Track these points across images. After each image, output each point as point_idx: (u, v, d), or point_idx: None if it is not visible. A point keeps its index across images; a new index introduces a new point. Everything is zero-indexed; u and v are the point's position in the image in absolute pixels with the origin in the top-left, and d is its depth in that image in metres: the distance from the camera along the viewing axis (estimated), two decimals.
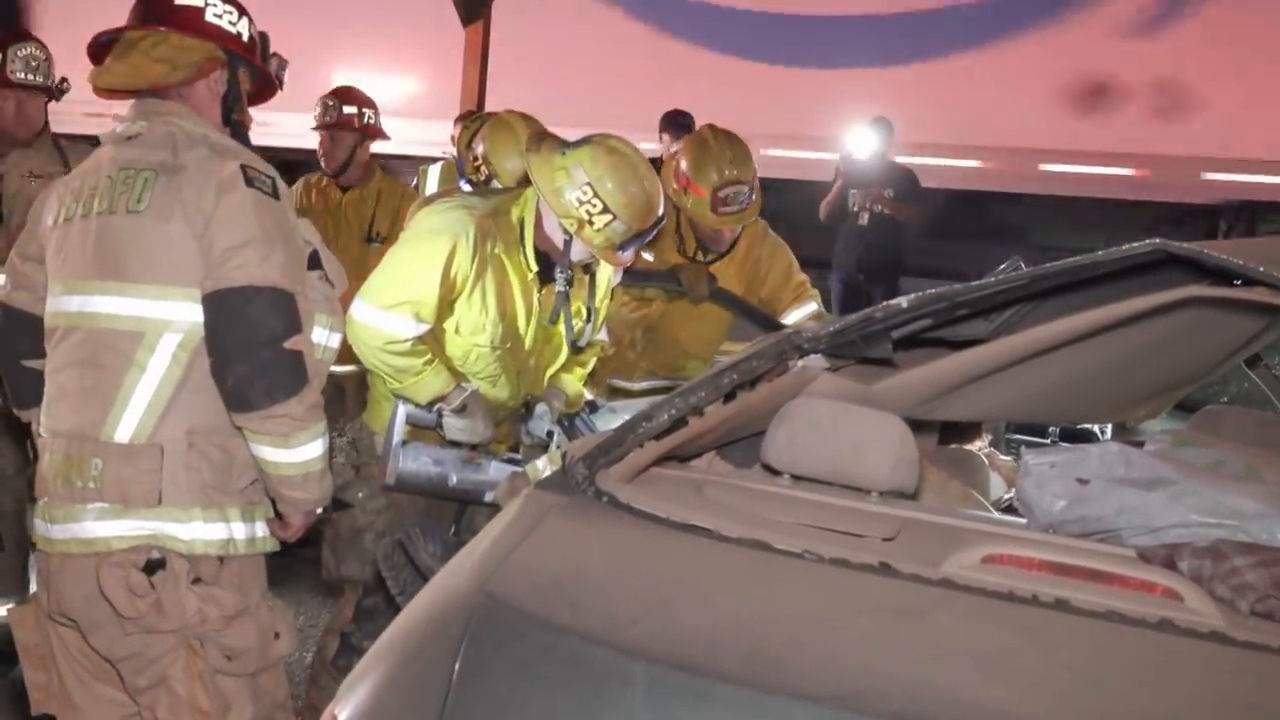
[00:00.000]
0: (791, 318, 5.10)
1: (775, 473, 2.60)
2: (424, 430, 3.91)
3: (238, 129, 3.07)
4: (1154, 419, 3.57)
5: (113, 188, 2.87)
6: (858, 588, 2.09)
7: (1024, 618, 2.00)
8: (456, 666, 1.94)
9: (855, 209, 10.38)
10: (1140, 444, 2.72)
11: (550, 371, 4.19)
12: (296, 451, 2.91)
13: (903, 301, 2.64)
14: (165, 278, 2.82)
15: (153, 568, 2.82)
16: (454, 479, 3.80)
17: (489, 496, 3.74)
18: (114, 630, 2.85)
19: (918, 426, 2.73)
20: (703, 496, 2.45)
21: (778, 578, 2.12)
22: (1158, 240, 2.39)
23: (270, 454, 2.90)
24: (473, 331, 3.91)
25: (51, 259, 2.97)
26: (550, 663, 1.91)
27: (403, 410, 3.83)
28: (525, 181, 4.01)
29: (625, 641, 1.91)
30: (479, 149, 5.05)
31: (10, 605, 4.07)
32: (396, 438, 3.78)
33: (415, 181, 7.72)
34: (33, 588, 3.67)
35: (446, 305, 3.83)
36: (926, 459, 2.90)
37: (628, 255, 3.91)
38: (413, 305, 3.75)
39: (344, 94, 6.71)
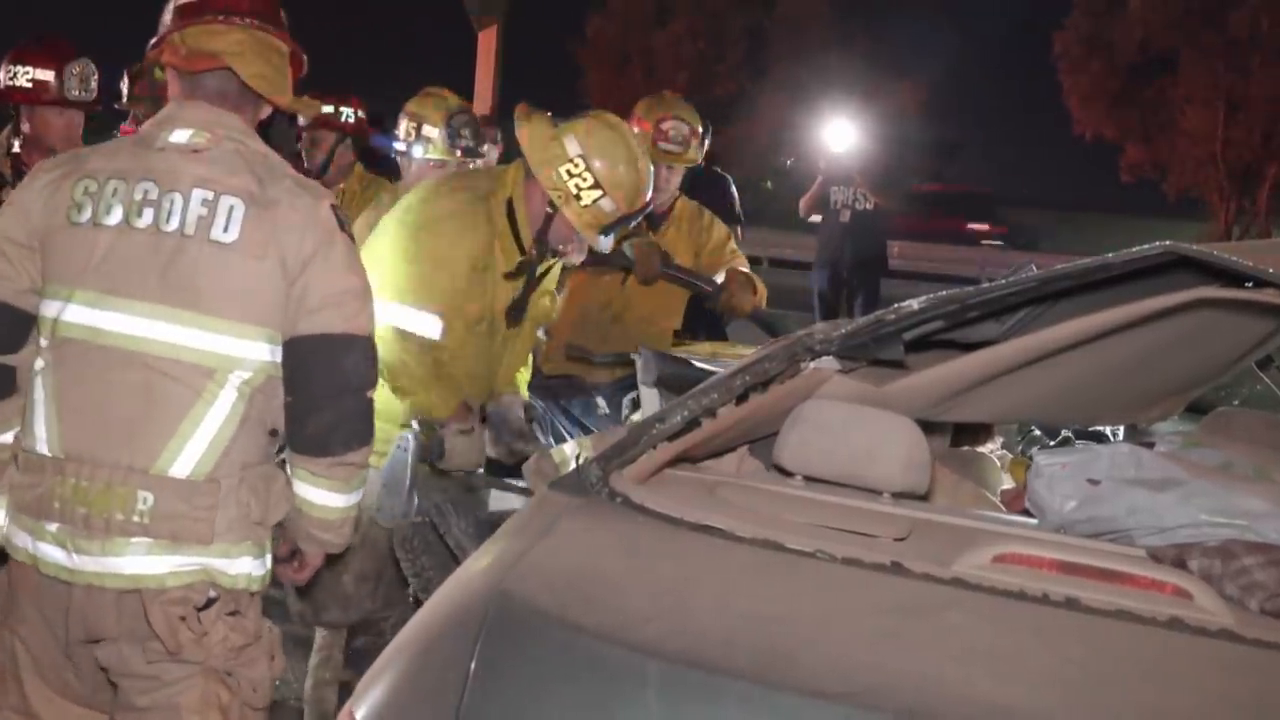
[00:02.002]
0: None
1: (788, 474, 2.62)
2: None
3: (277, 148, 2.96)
4: (1165, 421, 3.58)
5: (186, 207, 2.67)
6: (870, 587, 2.10)
7: (1035, 616, 2.02)
8: (472, 665, 1.95)
9: (837, 206, 10.40)
10: (1151, 445, 2.74)
11: (508, 365, 4.09)
12: (348, 497, 2.91)
13: (914, 303, 2.66)
14: (246, 315, 2.70)
15: (206, 605, 2.73)
16: (461, 518, 3.50)
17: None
18: (132, 650, 2.73)
19: (929, 428, 2.75)
20: (716, 497, 2.47)
21: (791, 577, 2.14)
22: (1169, 242, 2.41)
23: (322, 498, 2.87)
24: (476, 321, 3.82)
25: (67, 259, 2.72)
26: (565, 661, 1.93)
27: (414, 443, 3.57)
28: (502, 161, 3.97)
29: (640, 640, 1.93)
30: (406, 119, 5.20)
31: None
32: (410, 473, 3.52)
33: None
34: None
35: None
36: (938, 461, 2.91)
37: (608, 241, 3.82)
38: (445, 299, 3.67)
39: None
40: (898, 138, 15.24)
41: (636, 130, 5.04)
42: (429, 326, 3.68)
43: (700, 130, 5.29)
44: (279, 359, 2.77)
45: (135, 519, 2.65)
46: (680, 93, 5.80)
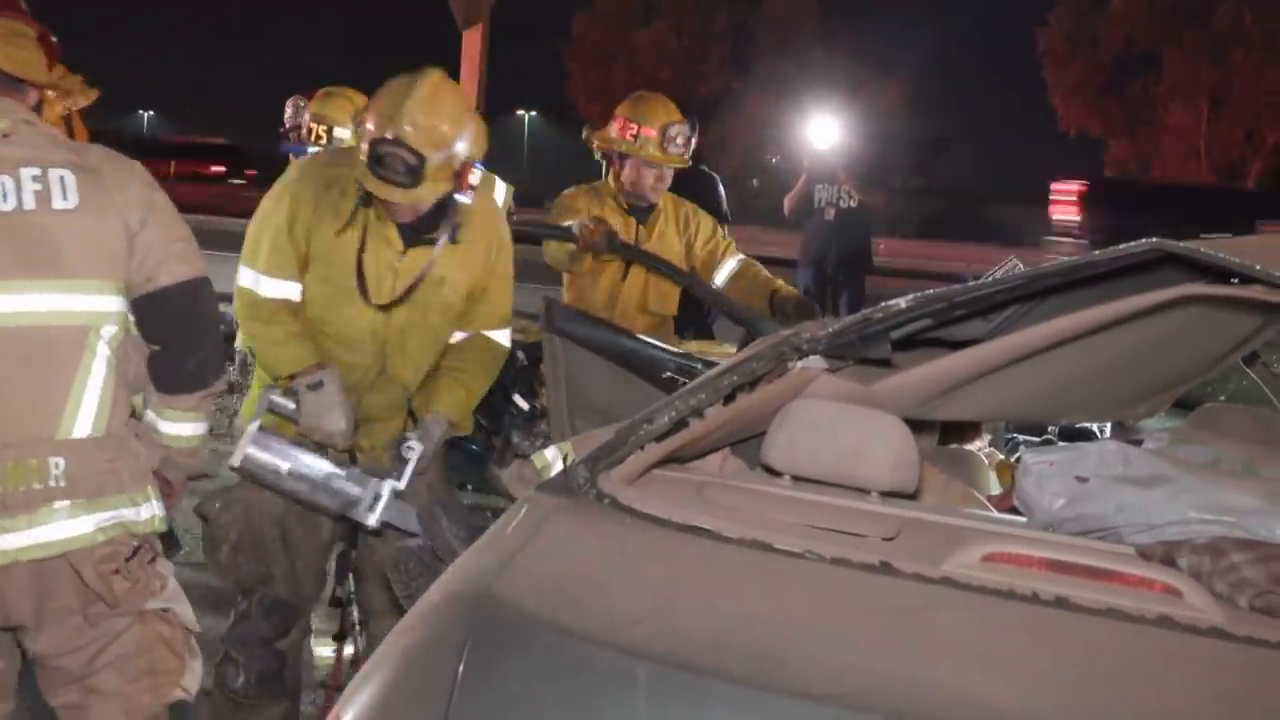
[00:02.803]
0: (726, 267, 5.45)
1: (775, 474, 2.61)
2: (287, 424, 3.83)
3: None
4: (1152, 417, 3.58)
5: (19, 187, 2.81)
6: (859, 587, 2.10)
7: (1024, 615, 2.01)
8: (460, 668, 1.94)
9: (821, 204, 10.40)
10: (1139, 442, 2.73)
11: (423, 366, 4.07)
12: (204, 424, 3.21)
13: (901, 302, 2.65)
14: (103, 272, 2.89)
15: (133, 554, 2.94)
16: (304, 474, 3.69)
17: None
18: (71, 624, 2.90)
19: (917, 427, 2.74)
20: (704, 498, 2.46)
21: (779, 578, 2.14)
22: (1154, 239, 2.41)
23: (189, 430, 3.15)
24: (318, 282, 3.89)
25: None
26: (554, 664, 1.92)
27: (270, 395, 3.78)
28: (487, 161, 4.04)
29: (628, 642, 1.92)
30: (306, 118, 5.54)
31: None
32: (255, 421, 3.72)
33: None
34: None
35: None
36: (926, 459, 2.91)
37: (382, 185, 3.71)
38: (267, 256, 3.85)
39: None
40: (882, 135, 15.27)
41: (640, 135, 5.38)
42: (246, 279, 3.84)
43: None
44: (128, 310, 2.98)
45: (51, 484, 2.81)
46: (664, 91, 5.99)
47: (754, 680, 1.83)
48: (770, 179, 37.18)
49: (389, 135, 3.57)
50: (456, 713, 1.91)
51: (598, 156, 5.66)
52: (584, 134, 5.88)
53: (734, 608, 2.04)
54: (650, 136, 5.39)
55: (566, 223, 5.29)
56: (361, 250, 3.83)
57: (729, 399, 2.69)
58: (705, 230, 5.54)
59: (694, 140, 5.55)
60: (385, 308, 3.89)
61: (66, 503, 2.83)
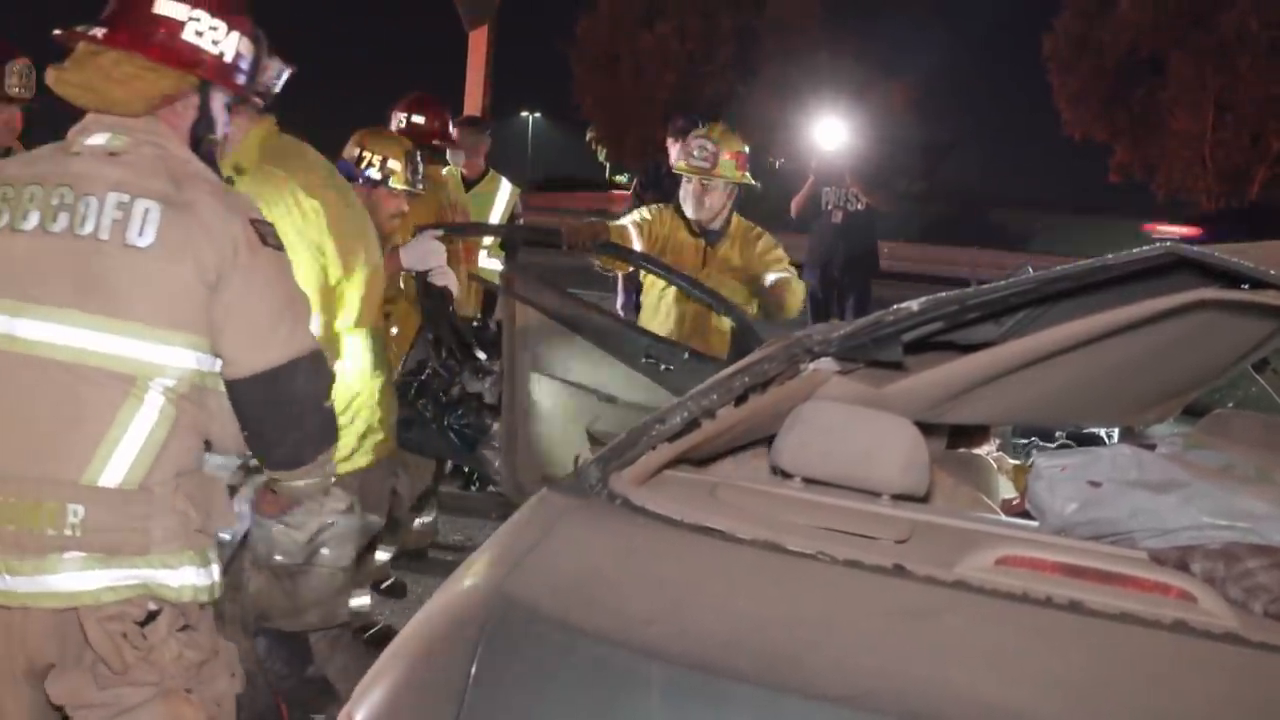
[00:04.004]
0: (769, 278, 5.63)
1: (787, 476, 2.61)
2: None
3: (209, 159, 2.84)
4: (1163, 423, 3.58)
5: (101, 211, 2.60)
6: (871, 589, 2.10)
7: (1038, 619, 2.01)
8: (473, 668, 1.94)
9: (829, 207, 10.40)
10: (1151, 447, 2.73)
11: None
12: (315, 478, 3.03)
13: (913, 305, 2.65)
14: (166, 321, 2.62)
15: (148, 619, 2.65)
16: None
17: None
18: (82, 679, 2.64)
19: (926, 430, 2.74)
20: (716, 499, 2.46)
21: (792, 579, 2.13)
22: (1169, 243, 2.40)
23: (303, 483, 3.02)
24: None
25: None
26: (566, 664, 1.92)
27: None
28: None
29: (641, 642, 1.92)
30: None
31: None
32: None
33: None
34: None
35: None
36: (935, 463, 2.91)
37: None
38: None
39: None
40: (888, 138, 15.27)
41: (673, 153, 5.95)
42: None
43: (739, 152, 5.84)
44: (208, 367, 2.71)
45: (66, 532, 2.57)
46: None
47: (768, 681, 1.83)
48: (774, 182, 37.22)
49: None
50: (469, 712, 1.91)
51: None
52: (588, 135, 6.07)
53: (747, 609, 2.04)
54: (677, 149, 5.91)
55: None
56: None
57: (741, 400, 2.69)
58: (766, 244, 5.80)
59: (738, 158, 5.80)
60: None
61: (79, 555, 2.58)
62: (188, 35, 2.72)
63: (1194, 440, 2.84)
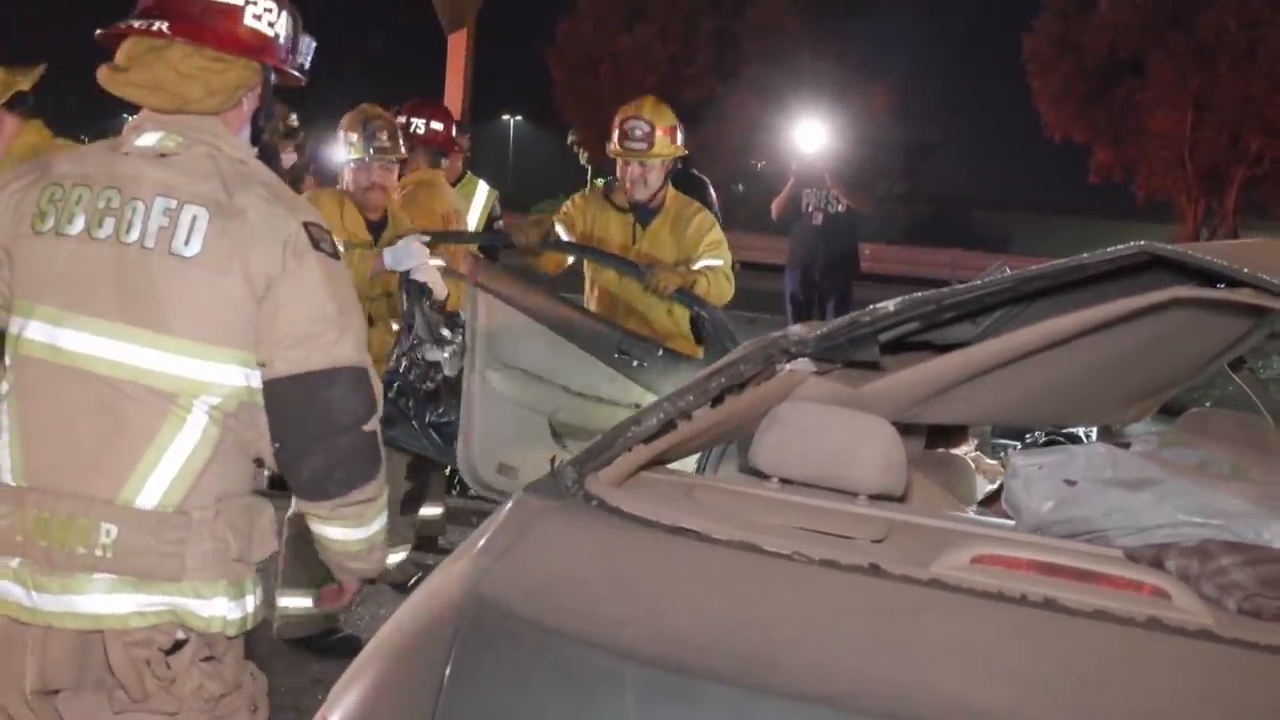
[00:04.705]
0: (695, 266, 5.54)
1: (763, 476, 2.61)
2: None
3: (266, 150, 2.76)
4: (1140, 421, 3.59)
5: (147, 217, 2.48)
6: (848, 589, 2.09)
7: (1013, 617, 2.01)
8: (447, 670, 1.93)
9: (809, 209, 10.40)
10: (1127, 445, 2.74)
11: None
12: (366, 529, 2.75)
13: (889, 305, 2.65)
14: (211, 336, 2.50)
15: (174, 648, 2.54)
16: None
17: None
18: (97, 702, 2.55)
19: (904, 430, 2.74)
20: (692, 499, 2.45)
21: (768, 580, 2.13)
22: (1143, 242, 2.41)
23: (339, 534, 2.73)
24: None
25: (29, 271, 2.55)
26: (541, 666, 1.92)
27: None
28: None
29: (616, 644, 1.91)
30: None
31: None
32: None
33: None
34: None
35: None
36: (913, 463, 2.91)
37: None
38: None
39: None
40: (868, 140, 15.28)
41: (610, 134, 5.74)
42: None
43: (671, 126, 5.78)
44: (256, 383, 2.58)
45: (97, 553, 2.46)
46: (649, 94, 6.27)
47: (743, 682, 1.83)
48: (756, 184, 37.23)
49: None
50: (443, 715, 1.90)
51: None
52: (569, 139, 6.08)
53: (723, 610, 2.03)
54: (613, 133, 5.76)
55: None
56: None
57: (717, 401, 2.69)
58: (703, 228, 5.70)
59: (670, 133, 5.76)
60: None
61: (109, 577, 2.47)
62: (248, 20, 2.60)
63: (1169, 438, 2.85)
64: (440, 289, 5.09)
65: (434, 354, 4.98)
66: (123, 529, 2.46)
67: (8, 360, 2.57)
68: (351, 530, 2.72)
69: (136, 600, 2.49)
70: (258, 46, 2.62)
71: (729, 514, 2.36)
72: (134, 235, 2.49)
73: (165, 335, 2.48)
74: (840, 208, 10.37)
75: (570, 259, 5.86)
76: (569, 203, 5.92)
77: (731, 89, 42.04)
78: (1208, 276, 2.42)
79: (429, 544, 6.56)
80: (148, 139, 2.57)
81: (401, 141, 5.59)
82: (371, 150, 5.34)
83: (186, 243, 2.48)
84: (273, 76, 2.71)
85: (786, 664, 1.87)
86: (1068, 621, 2.00)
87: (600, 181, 6.21)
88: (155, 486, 2.49)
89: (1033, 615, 2.02)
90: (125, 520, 2.47)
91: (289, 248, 2.54)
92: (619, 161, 5.79)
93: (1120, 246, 2.44)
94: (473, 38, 12.44)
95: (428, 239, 5.19)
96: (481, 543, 2.30)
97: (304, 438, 2.58)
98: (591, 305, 5.74)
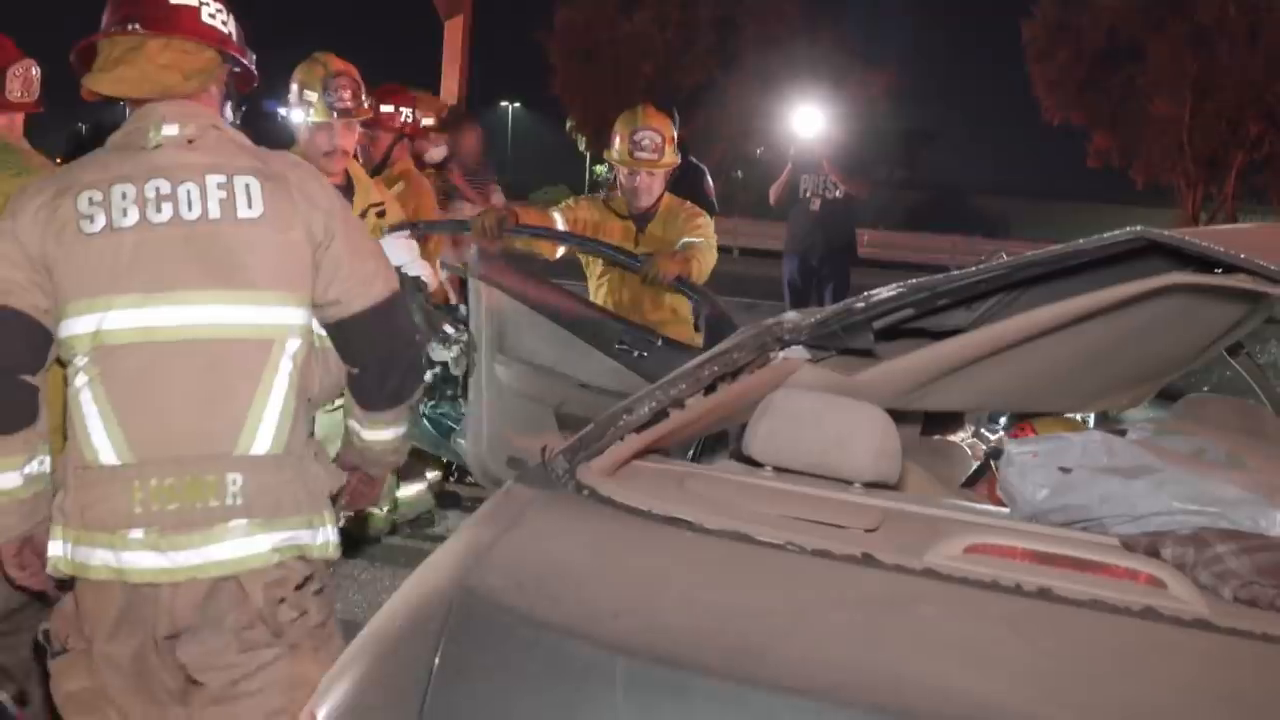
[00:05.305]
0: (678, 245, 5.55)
1: (757, 465, 2.59)
2: None
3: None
4: (1136, 407, 3.57)
5: (204, 194, 2.72)
6: (840, 579, 2.08)
7: (1007, 607, 2.00)
8: (436, 662, 1.92)
9: (807, 195, 10.37)
10: (1123, 432, 2.72)
11: None
12: (403, 427, 3.18)
13: (884, 291, 2.63)
14: (287, 285, 2.78)
15: (304, 582, 2.81)
16: None
17: None
18: (218, 640, 2.73)
19: (900, 417, 2.73)
20: (684, 489, 2.44)
21: (760, 570, 2.12)
22: (1139, 227, 2.39)
23: (390, 434, 3.13)
24: None
25: (91, 271, 2.69)
26: (531, 658, 1.90)
27: None
28: None
29: (607, 635, 1.89)
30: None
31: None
32: None
33: None
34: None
35: None
36: (909, 451, 2.89)
37: None
38: None
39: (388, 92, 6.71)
40: (866, 126, 15.26)
41: (617, 142, 5.78)
42: None
43: (673, 134, 5.87)
44: (316, 326, 2.89)
45: (229, 501, 2.69)
46: (647, 83, 6.26)
47: (734, 674, 1.81)
48: (755, 170, 37.23)
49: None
50: (432, 707, 1.88)
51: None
52: (567, 125, 6.05)
53: (714, 600, 2.02)
54: (622, 142, 5.76)
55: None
56: None
57: (710, 389, 2.67)
58: (690, 215, 5.74)
59: (673, 142, 5.83)
60: None
61: (244, 521, 2.70)
62: (205, 18, 2.88)
63: (1165, 426, 2.83)
64: (432, 282, 5.06)
65: (440, 354, 4.94)
66: (247, 476, 2.71)
67: (80, 359, 2.71)
68: (398, 429, 3.14)
69: (270, 540, 2.73)
70: (218, 38, 2.91)
71: (721, 503, 2.35)
72: (195, 213, 2.72)
73: (252, 290, 2.74)
74: (838, 194, 10.33)
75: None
76: (572, 200, 5.93)
77: (730, 76, 42.01)
78: (1204, 262, 2.40)
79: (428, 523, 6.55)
80: (170, 130, 2.79)
81: (365, 97, 5.14)
82: (335, 113, 4.89)
83: (250, 206, 2.75)
84: (234, 68, 3.00)
85: (778, 655, 1.85)
86: (1062, 611, 1.99)
87: (600, 170, 6.19)
88: (266, 433, 2.74)
89: (1027, 605, 2.00)
90: (247, 468, 2.71)
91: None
92: (623, 170, 5.79)
93: (1116, 232, 2.43)
94: (470, 24, 12.42)
95: (405, 232, 5.15)
96: (471, 533, 2.28)
97: (386, 357, 2.98)
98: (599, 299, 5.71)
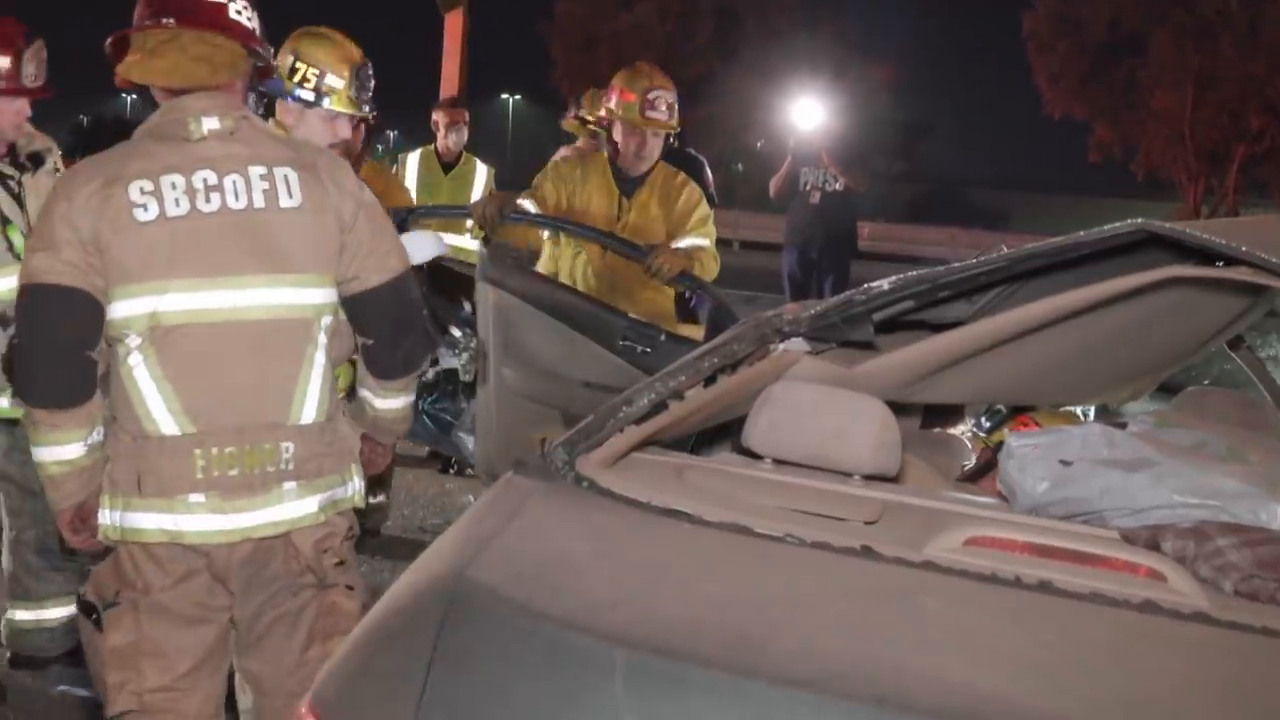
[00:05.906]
0: (682, 243, 5.39)
1: (757, 457, 2.59)
2: None
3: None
4: (1137, 400, 3.56)
5: (248, 185, 2.94)
6: (840, 571, 2.07)
7: (1007, 600, 1.99)
8: (434, 654, 1.92)
9: (806, 187, 10.36)
10: (1123, 425, 2.71)
11: None
12: (411, 395, 3.40)
13: (884, 284, 2.63)
14: (322, 267, 3.02)
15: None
16: None
17: None
18: (273, 589, 3.04)
19: (899, 410, 2.72)
20: (684, 481, 2.43)
21: (759, 562, 2.11)
22: (1140, 220, 2.38)
23: (400, 403, 3.35)
24: None
25: (145, 256, 2.85)
26: (530, 648, 1.90)
27: None
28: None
29: (606, 627, 1.89)
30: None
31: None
32: None
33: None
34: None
35: None
36: (908, 443, 2.89)
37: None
38: None
39: None
40: (866, 118, 15.22)
41: (621, 100, 5.57)
42: None
43: (675, 97, 5.68)
44: (337, 300, 3.10)
45: (283, 467, 2.98)
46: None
47: (734, 666, 1.81)
48: (755, 163, 37.19)
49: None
50: (430, 698, 1.88)
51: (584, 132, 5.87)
52: (569, 112, 5.92)
53: (714, 592, 2.01)
54: (631, 101, 5.54)
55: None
56: None
57: (710, 381, 2.67)
58: (691, 201, 5.56)
59: (675, 109, 5.65)
60: None
61: (295, 484, 3.00)
62: (232, 14, 3.06)
63: (1166, 419, 2.83)
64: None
65: (450, 360, 4.95)
66: (297, 444, 3.00)
67: (134, 339, 2.90)
68: (408, 397, 3.38)
69: (316, 500, 3.04)
70: (244, 33, 3.08)
71: (721, 495, 2.34)
72: (241, 202, 2.92)
73: (297, 274, 2.97)
74: (838, 186, 10.32)
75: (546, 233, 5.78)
76: (541, 174, 5.70)
77: (730, 68, 41.98)
78: (1205, 254, 2.40)
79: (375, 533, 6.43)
80: (212, 123, 2.97)
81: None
82: (366, 107, 4.40)
83: (290, 196, 2.96)
84: (256, 62, 3.16)
85: (777, 647, 1.85)
86: (1062, 604, 1.98)
87: (574, 127, 6.02)
88: (311, 403, 3.02)
89: (1027, 597, 2.00)
90: (298, 437, 3.00)
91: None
92: (626, 130, 5.56)
93: (1117, 224, 2.42)
94: (469, 16, 12.40)
95: (428, 232, 5.09)
96: (470, 524, 2.28)
97: (399, 327, 3.20)
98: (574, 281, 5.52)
